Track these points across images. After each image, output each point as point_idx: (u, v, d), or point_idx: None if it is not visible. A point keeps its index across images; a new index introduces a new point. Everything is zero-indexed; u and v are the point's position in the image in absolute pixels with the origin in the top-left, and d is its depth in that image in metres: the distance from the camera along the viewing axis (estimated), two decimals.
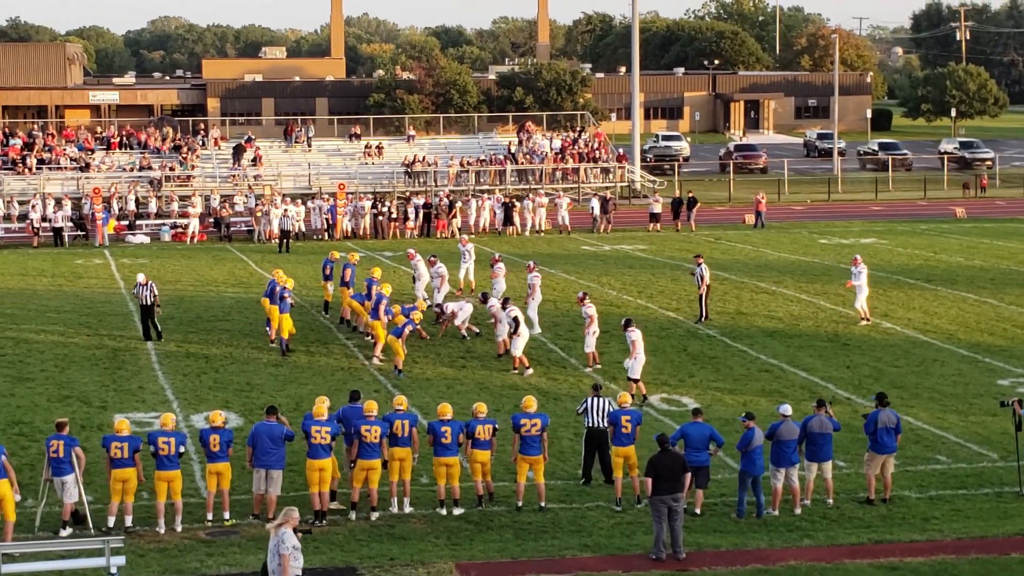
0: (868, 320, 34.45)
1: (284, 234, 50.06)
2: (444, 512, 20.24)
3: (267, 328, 32.26)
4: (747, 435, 20.22)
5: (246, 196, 57.48)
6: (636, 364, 26.76)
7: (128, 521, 19.52)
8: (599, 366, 29.64)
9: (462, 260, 39.58)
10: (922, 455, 23.22)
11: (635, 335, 26.86)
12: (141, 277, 33.12)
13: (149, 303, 32.54)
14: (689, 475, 18.93)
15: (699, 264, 34.63)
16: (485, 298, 32.29)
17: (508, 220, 54.64)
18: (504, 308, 30.02)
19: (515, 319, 29.48)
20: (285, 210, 51.71)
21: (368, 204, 54.65)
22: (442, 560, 18.29)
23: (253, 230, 53.43)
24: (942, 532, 19.43)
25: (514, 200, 56.31)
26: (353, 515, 20.12)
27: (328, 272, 35.66)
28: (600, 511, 20.45)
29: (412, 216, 54.17)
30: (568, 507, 20.66)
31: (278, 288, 31.48)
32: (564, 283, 41.22)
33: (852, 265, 35.14)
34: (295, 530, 15.54)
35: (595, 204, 56.54)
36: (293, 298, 31.95)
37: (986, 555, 18.43)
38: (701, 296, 34.70)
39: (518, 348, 29.31)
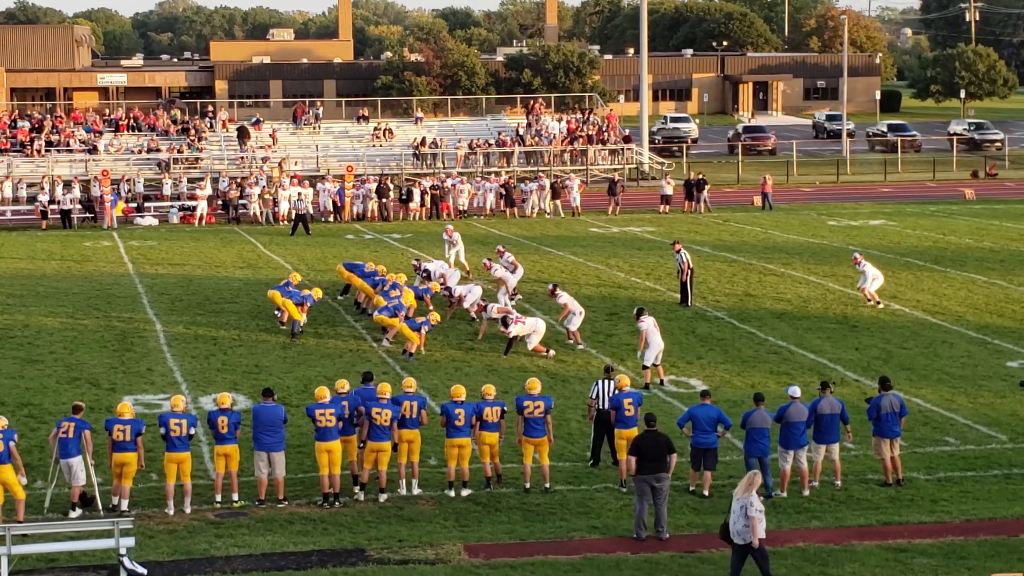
0: (879, 303, 34.31)
1: (300, 218, 49.78)
2: (453, 494, 20.27)
3: (277, 312, 32.23)
4: (745, 414, 20.32)
5: (256, 178, 57.35)
6: (647, 352, 26.55)
7: (124, 505, 19.52)
8: (581, 345, 29.85)
9: (447, 248, 39.26)
10: (931, 437, 23.20)
11: (643, 325, 26.72)
12: None
13: None
14: (675, 456, 18.90)
15: (678, 251, 34.47)
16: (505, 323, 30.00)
17: (510, 202, 54.59)
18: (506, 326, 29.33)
19: (513, 338, 29.19)
20: (300, 193, 51.65)
21: (373, 187, 54.52)
22: (451, 541, 18.31)
23: (262, 212, 53.27)
24: (951, 514, 19.42)
25: (523, 182, 56.15)
26: (362, 496, 20.15)
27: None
28: (608, 493, 20.46)
29: (417, 198, 54.07)
30: (576, 489, 20.68)
31: (291, 288, 31.55)
32: (572, 265, 41.20)
33: (855, 264, 34.97)
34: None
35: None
36: (308, 298, 31.69)
37: (995, 537, 18.42)
38: (684, 283, 34.54)
39: (532, 342, 29.22)
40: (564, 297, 30.34)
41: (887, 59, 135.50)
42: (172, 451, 19.57)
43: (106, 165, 60.23)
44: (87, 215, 53.48)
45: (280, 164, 60.68)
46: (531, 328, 29.11)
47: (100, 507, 19.58)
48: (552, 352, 29.04)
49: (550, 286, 31.23)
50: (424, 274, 34.45)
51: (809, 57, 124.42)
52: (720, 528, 16.84)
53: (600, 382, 21.88)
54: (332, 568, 17.39)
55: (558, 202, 55.05)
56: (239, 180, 56.32)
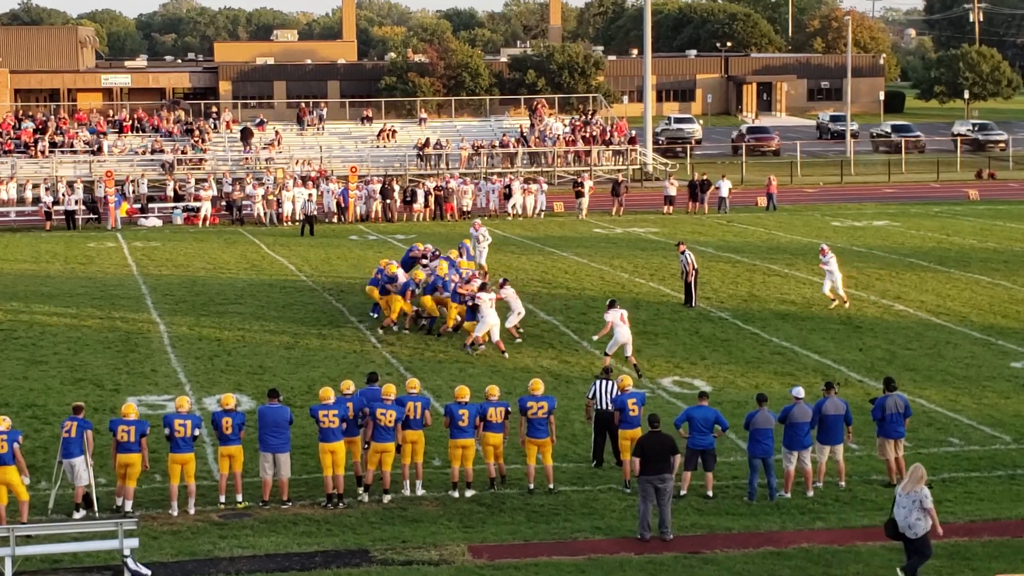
0: (846, 303, 34.08)
1: (308, 219, 49.77)
2: (456, 494, 20.27)
3: (373, 313, 32.46)
4: (749, 414, 20.29)
5: (262, 179, 57.33)
6: (610, 342, 27.24)
7: (128, 506, 19.52)
8: (518, 340, 30.07)
9: (475, 244, 39.41)
10: (935, 437, 23.18)
11: (609, 316, 27.26)
12: None
13: None
14: (678, 457, 18.89)
15: (683, 252, 34.48)
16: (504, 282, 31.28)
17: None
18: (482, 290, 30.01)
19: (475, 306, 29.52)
20: (309, 195, 51.68)
21: (377, 188, 54.54)
22: (454, 542, 18.30)
23: (266, 213, 53.26)
24: (954, 515, 19.37)
25: (527, 182, 56.19)
26: (366, 497, 20.16)
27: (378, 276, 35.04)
28: (612, 493, 20.46)
29: (421, 199, 54.04)
30: (580, 490, 20.67)
31: (381, 276, 31.69)
32: (576, 266, 41.20)
33: (820, 255, 34.82)
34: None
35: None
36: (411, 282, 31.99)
37: (999, 537, 18.39)
38: (688, 283, 34.52)
39: (495, 335, 29.39)
40: (506, 292, 30.37)
41: (891, 60, 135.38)
42: (176, 452, 19.58)
43: (110, 166, 60.29)
44: (91, 216, 53.53)
45: (320, 169, 60.21)
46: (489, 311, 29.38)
47: (95, 507, 19.51)
48: (520, 340, 29.54)
49: (500, 280, 31.32)
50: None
51: (813, 58, 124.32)
52: (886, 524, 16.98)
53: (599, 382, 21.90)
54: (336, 569, 17.39)
55: (583, 201, 55.04)
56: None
